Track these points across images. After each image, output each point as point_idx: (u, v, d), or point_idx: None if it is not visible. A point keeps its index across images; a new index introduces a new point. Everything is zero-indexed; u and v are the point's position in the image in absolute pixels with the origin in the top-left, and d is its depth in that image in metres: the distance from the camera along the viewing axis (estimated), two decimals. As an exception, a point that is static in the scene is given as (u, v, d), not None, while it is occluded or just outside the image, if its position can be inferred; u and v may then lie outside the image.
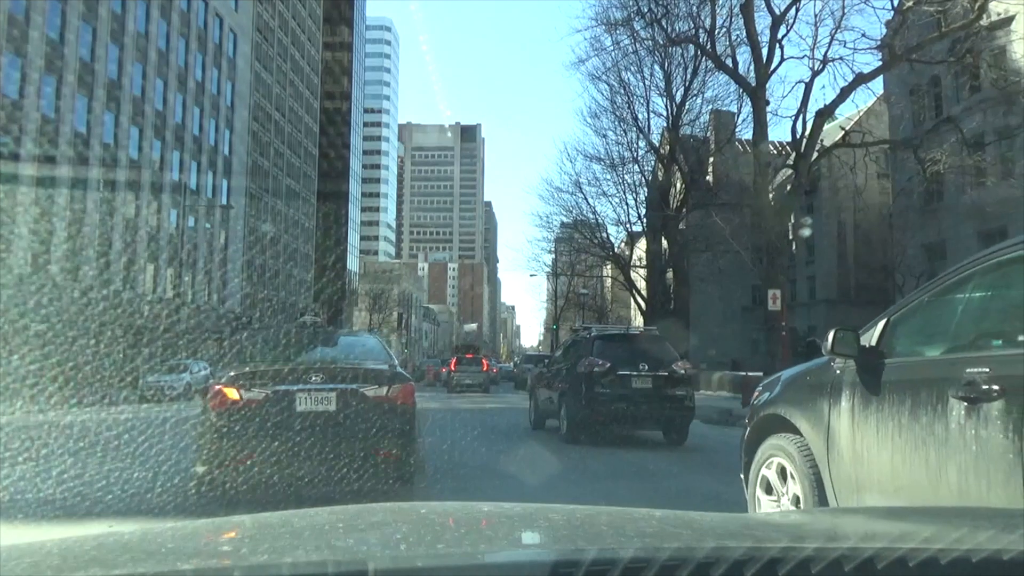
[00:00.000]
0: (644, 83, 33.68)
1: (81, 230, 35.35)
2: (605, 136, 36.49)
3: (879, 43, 20.97)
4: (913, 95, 30.22)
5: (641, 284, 39.33)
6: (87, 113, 36.47)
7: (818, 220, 38.88)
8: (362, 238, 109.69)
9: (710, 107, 33.78)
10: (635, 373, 10.86)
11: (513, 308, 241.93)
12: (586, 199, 38.44)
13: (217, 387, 5.95)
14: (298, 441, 5.73)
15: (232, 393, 5.85)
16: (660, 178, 35.47)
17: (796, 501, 3.88)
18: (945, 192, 29.78)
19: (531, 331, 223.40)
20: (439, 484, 6.94)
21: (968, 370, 2.87)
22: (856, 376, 3.51)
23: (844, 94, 19.65)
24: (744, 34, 20.85)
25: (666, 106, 33.60)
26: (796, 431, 3.93)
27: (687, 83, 32.48)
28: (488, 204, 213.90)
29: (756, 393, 4.63)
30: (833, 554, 1.15)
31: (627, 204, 38.25)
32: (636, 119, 34.57)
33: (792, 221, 24.13)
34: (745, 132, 32.57)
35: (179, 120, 45.87)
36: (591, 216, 39.34)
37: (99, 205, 37.15)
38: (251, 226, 56.82)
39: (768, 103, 20.52)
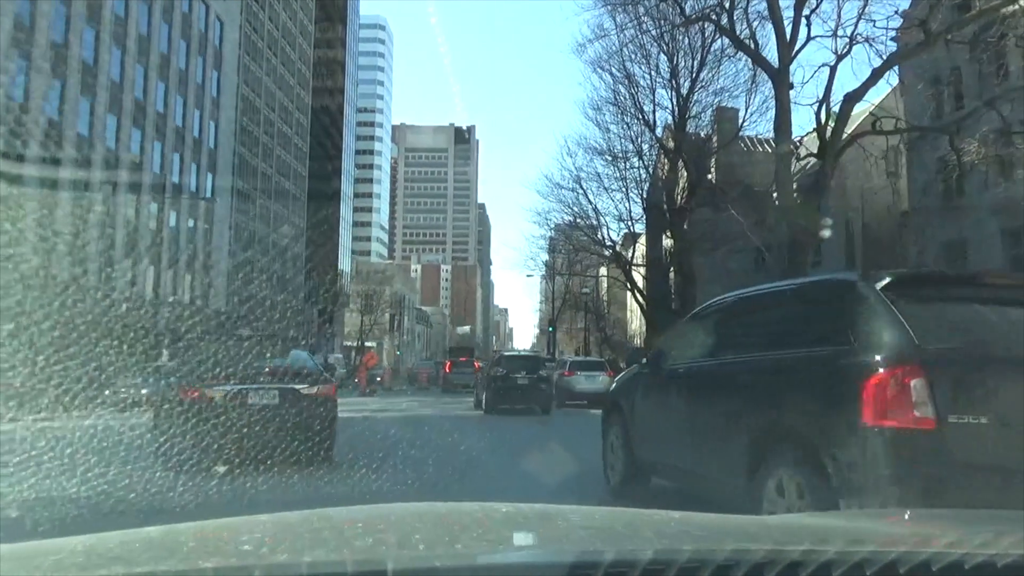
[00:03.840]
0: (650, 74, 32.23)
1: (56, 225, 33.44)
2: (608, 130, 35.02)
3: (907, 22, 19.44)
4: (935, 85, 28.71)
5: (643, 284, 37.93)
6: (60, 101, 34.47)
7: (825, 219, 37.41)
8: (354, 238, 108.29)
9: (717, 99, 32.44)
10: (519, 375, 18.75)
11: (506, 311, 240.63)
12: (586, 195, 37.00)
13: (193, 387, 8.04)
14: (250, 424, 7.56)
15: (206, 391, 8.02)
16: (665, 173, 34.10)
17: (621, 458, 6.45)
18: (967, 188, 28.30)
19: (525, 334, 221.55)
20: (418, 430, 11.22)
21: (686, 371, 5.56)
22: (647, 377, 6.23)
23: (876, 76, 18.16)
24: (766, 10, 19.28)
25: (672, 98, 32.20)
26: (622, 411, 6.46)
27: (694, 73, 31.04)
28: (482, 206, 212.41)
29: (611, 386, 7.61)
30: (855, 557, 1.13)
31: (629, 201, 36.86)
32: (641, 111, 33.14)
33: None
34: (754, 126, 31.32)
35: (160, 110, 43.90)
36: (591, 213, 37.91)
37: (76, 200, 35.28)
38: (240, 223, 55.04)
39: (792, 87, 18.99)
